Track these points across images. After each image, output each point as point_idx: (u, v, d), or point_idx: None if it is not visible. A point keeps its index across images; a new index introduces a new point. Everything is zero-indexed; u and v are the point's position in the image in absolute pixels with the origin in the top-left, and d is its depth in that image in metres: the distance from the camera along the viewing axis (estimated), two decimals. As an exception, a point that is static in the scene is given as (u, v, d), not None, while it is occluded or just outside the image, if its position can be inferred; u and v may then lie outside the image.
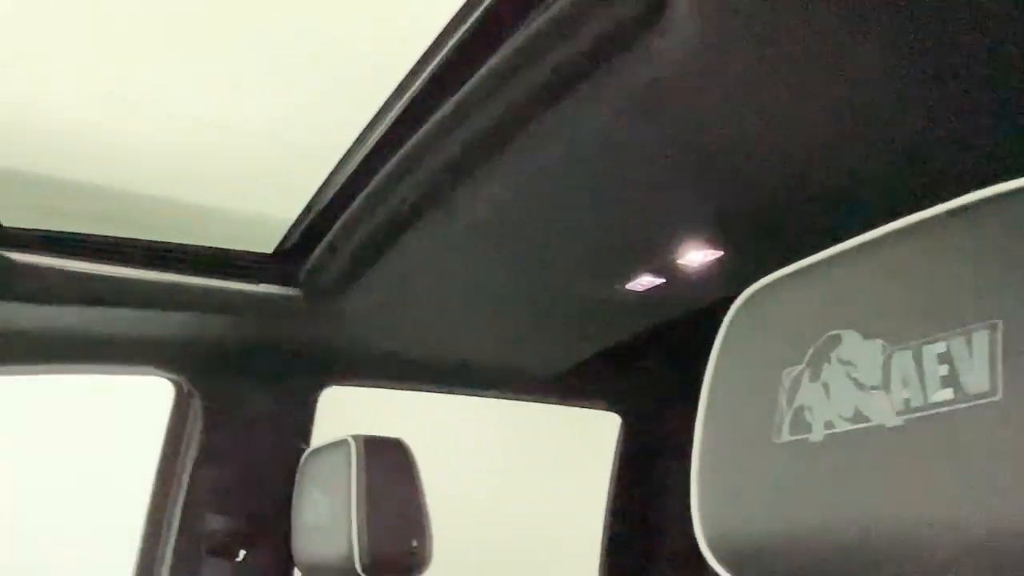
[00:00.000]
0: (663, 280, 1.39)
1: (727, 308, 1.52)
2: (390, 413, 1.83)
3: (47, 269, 1.39)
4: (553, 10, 0.84)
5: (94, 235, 1.47)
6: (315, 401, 1.81)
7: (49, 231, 1.43)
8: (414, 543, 1.38)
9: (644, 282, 1.41)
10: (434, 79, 1.05)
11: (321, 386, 1.82)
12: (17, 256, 1.33)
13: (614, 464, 2.19)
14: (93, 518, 1.97)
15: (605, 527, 2.18)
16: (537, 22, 0.86)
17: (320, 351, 1.78)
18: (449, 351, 1.86)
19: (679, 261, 1.31)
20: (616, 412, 2.18)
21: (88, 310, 1.49)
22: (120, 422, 2.00)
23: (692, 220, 1.21)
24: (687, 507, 2.00)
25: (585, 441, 2.36)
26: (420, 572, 1.39)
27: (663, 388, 2.18)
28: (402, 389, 1.94)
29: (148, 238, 1.52)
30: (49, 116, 1.25)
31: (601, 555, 2.17)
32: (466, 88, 0.99)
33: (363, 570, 1.32)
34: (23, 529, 2.69)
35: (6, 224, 1.36)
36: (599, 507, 2.21)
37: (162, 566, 1.67)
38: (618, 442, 2.19)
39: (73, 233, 1.45)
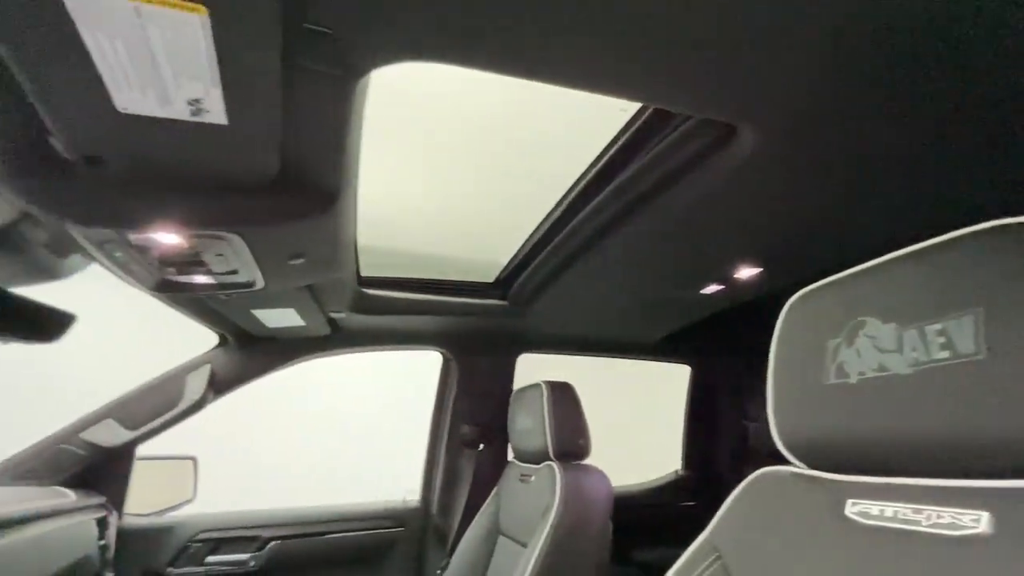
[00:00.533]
0: (723, 286, 1.36)
1: (762, 302, 1.52)
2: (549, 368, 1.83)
3: (379, 296, 1.47)
4: (666, 142, 0.83)
5: (402, 277, 1.54)
6: (515, 362, 1.89)
7: (381, 276, 1.50)
8: (580, 441, 1.40)
9: (711, 288, 1.38)
10: (595, 178, 1.03)
11: (518, 354, 1.88)
12: (366, 290, 1.44)
13: (688, 395, 2.18)
14: (408, 428, 2.18)
15: (684, 432, 2.17)
16: (657, 147, 0.85)
17: (517, 335, 1.83)
18: (590, 331, 1.85)
19: (734, 275, 1.28)
20: (688, 364, 2.17)
21: (399, 317, 1.58)
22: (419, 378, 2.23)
23: (744, 253, 1.15)
24: (730, 418, 2.03)
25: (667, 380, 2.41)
26: (584, 458, 1.41)
27: (716, 350, 2.13)
28: (562, 354, 1.96)
29: (431, 277, 1.58)
30: (383, 215, 1.29)
31: (683, 448, 2.17)
32: (613, 184, 0.97)
33: (553, 455, 1.36)
34: (377, 432, 3.10)
35: (363, 274, 1.44)
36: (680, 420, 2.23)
37: (440, 453, 1.80)
38: (689, 382, 2.18)
39: (392, 277, 1.53)
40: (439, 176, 1.25)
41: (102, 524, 1.39)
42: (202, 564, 1.54)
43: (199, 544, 1.55)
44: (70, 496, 1.33)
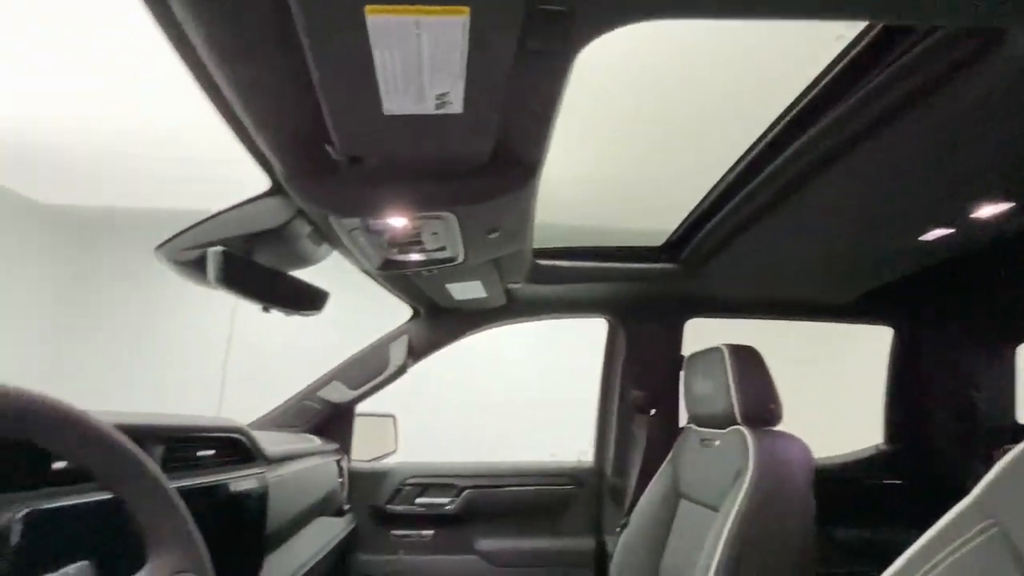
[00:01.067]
0: (952, 230, 1.16)
1: (1005, 247, 1.26)
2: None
3: (552, 266, 1.52)
4: (899, 63, 0.70)
5: (571, 247, 1.57)
6: (683, 328, 1.83)
7: (552, 247, 1.54)
8: (771, 405, 1.33)
9: (935, 233, 1.19)
10: (793, 122, 0.90)
11: (687, 319, 1.83)
12: (539, 261, 1.49)
13: (890, 361, 1.91)
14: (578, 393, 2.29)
15: (886, 403, 1.92)
16: (887, 71, 0.72)
17: (687, 299, 1.78)
18: (773, 292, 1.72)
19: (970, 215, 1.08)
20: (891, 326, 1.90)
21: (569, 286, 1.62)
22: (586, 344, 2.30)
23: (989, 187, 0.96)
24: (949, 387, 1.74)
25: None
26: (776, 423, 1.33)
27: (929, 308, 1.83)
28: (736, 318, 1.86)
29: (599, 244, 1.60)
30: (552, 190, 1.29)
31: (885, 420, 1.93)
32: (821, 124, 0.84)
33: (741, 420, 1.31)
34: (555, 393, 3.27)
35: (535, 246, 1.44)
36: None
37: (611, 417, 1.84)
38: (892, 346, 1.91)
39: (562, 247, 1.56)
40: (607, 145, 1.27)
41: (339, 465, 1.70)
42: (413, 504, 1.80)
43: (409, 487, 1.81)
44: (316, 441, 1.65)
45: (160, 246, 0.90)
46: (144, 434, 0.74)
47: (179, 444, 0.86)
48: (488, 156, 0.78)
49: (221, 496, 0.94)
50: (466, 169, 0.80)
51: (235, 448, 1.05)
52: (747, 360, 1.39)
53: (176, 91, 2.02)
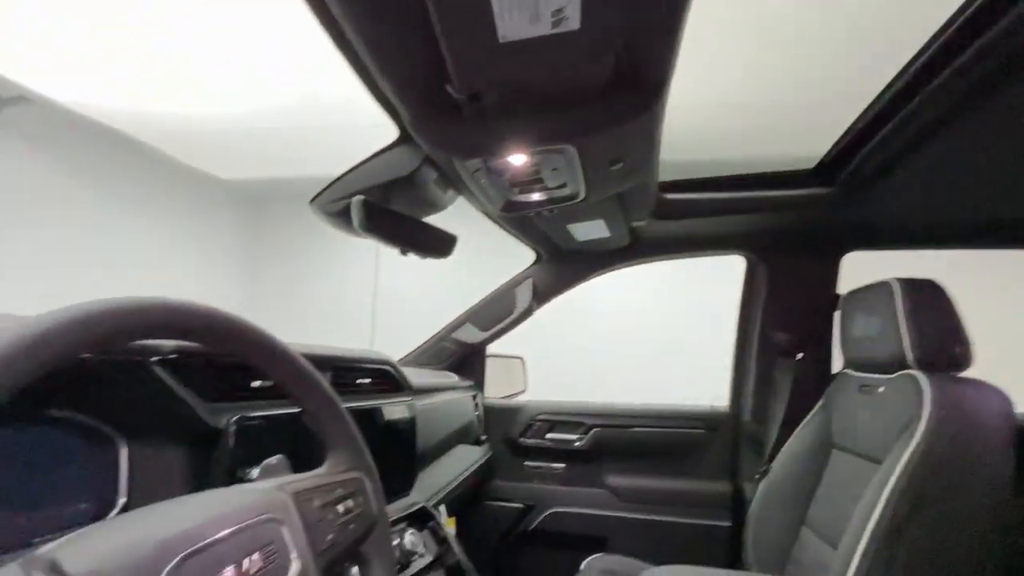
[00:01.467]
0: None
1: None
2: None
3: (677, 200, 1.43)
4: None
5: (704, 177, 1.44)
6: (839, 262, 1.62)
7: (681, 180, 1.43)
8: (957, 348, 1.13)
9: None
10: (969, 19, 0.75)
11: (843, 252, 1.62)
12: (666, 195, 1.40)
13: None
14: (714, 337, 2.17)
15: None
16: None
17: (845, 229, 1.56)
18: (952, 218, 1.44)
19: None
20: None
21: (700, 221, 1.53)
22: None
23: None
24: None
25: None
26: (962, 368, 1.13)
27: None
28: (911, 249, 1.59)
29: (737, 173, 1.44)
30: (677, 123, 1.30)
31: None
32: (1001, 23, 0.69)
33: (915, 364, 1.14)
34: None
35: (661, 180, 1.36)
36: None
37: (750, 361, 1.74)
38: None
39: (693, 178, 1.45)
40: (741, 61, 1.11)
41: (475, 400, 1.84)
42: (543, 438, 1.90)
43: (540, 423, 1.91)
44: (454, 378, 1.80)
45: (313, 199, 1.01)
46: (318, 361, 0.87)
47: (342, 371, 1.00)
48: (608, 77, 0.73)
49: (378, 417, 1.08)
50: (585, 94, 0.77)
51: (385, 378, 1.18)
52: (925, 295, 1.19)
53: (323, 68, 2.20)
